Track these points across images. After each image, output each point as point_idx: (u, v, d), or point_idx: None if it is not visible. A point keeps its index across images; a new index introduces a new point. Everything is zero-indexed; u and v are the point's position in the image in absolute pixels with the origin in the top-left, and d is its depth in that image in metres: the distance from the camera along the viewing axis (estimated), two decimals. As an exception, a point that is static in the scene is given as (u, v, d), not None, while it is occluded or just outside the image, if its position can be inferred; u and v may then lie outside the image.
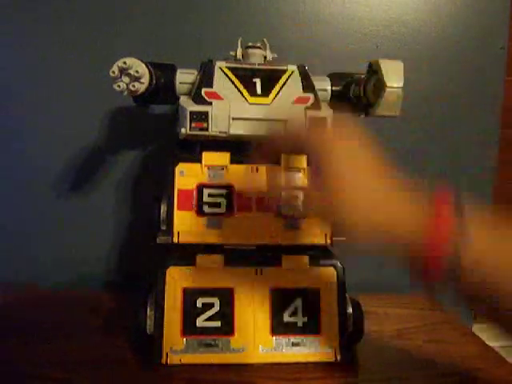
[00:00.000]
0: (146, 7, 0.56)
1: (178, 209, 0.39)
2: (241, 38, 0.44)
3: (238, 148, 0.40)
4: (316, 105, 0.39)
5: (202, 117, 0.37)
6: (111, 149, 0.58)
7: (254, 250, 0.41)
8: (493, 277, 0.24)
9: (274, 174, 0.38)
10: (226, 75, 0.39)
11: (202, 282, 0.38)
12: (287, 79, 0.40)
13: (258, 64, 0.42)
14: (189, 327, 0.37)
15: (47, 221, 0.58)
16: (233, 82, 0.39)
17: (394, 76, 0.35)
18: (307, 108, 0.38)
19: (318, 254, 0.41)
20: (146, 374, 0.37)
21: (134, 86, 0.37)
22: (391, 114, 0.37)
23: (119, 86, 0.36)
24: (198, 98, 0.38)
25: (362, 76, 0.41)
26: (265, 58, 0.44)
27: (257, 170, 0.41)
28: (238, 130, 0.38)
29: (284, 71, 0.41)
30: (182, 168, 0.40)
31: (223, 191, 0.40)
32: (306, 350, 0.38)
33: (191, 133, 0.37)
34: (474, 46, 0.61)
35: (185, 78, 0.41)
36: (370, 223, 0.27)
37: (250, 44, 0.44)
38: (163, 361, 0.36)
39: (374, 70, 0.38)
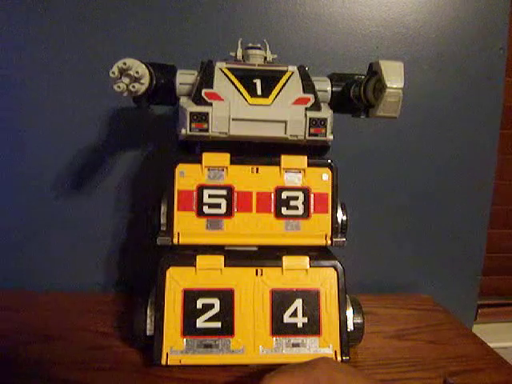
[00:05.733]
0: (146, 7, 0.56)
1: (178, 209, 0.40)
2: (241, 39, 0.44)
3: (238, 149, 0.40)
4: (316, 105, 0.39)
5: (202, 117, 0.37)
6: (111, 149, 0.58)
7: (254, 251, 0.41)
8: None
9: None
10: (226, 76, 0.39)
11: (202, 282, 0.38)
12: (287, 80, 0.40)
13: (258, 65, 0.42)
14: (189, 328, 0.37)
15: (47, 221, 0.58)
16: (233, 83, 0.39)
17: (394, 77, 0.35)
18: (307, 109, 0.38)
19: (319, 254, 0.41)
20: (145, 375, 0.37)
21: (134, 86, 0.36)
22: (391, 115, 0.37)
23: (119, 87, 0.36)
24: (198, 99, 0.38)
25: (363, 77, 0.41)
26: (265, 58, 0.44)
27: (257, 170, 0.41)
28: (238, 130, 0.38)
29: (284, 72, 0.41)
30: (181, 169, 0.40)
31: (223, 192, 0.40)
32: (306, 351, 0.38)
33: (191, 133, 0.37)
34: (474, 47, 0.61)
35: (185, 78, 0.41)
36: None
37: (250, 45, 0.44)
38: (163, 361, 0.36)
39: (374, 71, 0.38)
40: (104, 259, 0.60)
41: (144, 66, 0.37)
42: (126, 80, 0.36)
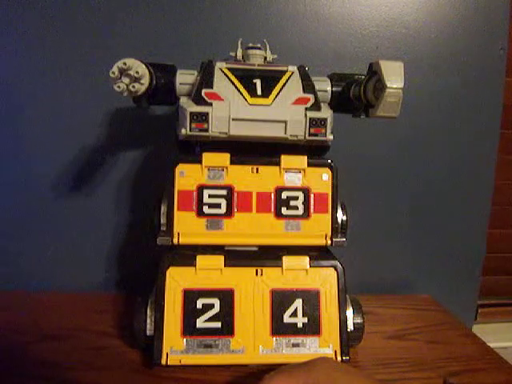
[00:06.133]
0: (146, 7, 0.56)
1: (178, 209, 0.40)
2: (241, 39, 0.44)
3: (238, 149, 0.40)
4: (316, 105, 0.39)
5: (203, 117, 0.37)
6: (111, 149, 0.58)
7: (254, 251, 0.41)
8: None
9: None
10: (226, 76, 0.39)
11: (202, 282, 0.38)
12: (287, 80, 0.40)
13: (258, 65, 0.42)
14: (189, 328, 0.37)
15: (47, 221, 0.58)
16: (233, 83, 0.39)
17: (394, 77, 0.35)
18: (307, 109, 0.38)
19: (319, 254, 0.41)
20: (145, 375, 0.37)
21: (133, 86, 0.36)
22: (391, 114, 0.37)
23: (119, 87, 0.36)
24: (198, 99, 0.37)
25: (363, 77, 0.41)
26: (265, 58, 0.44)
27: (257, 170, 0.41)
28: (238, 130, 0.38)
29: (284, 72, 0.41)
30: (181, 169, 0.40)
31: (223, 192, 0.40)
32: (306, 351, 0.38)
33: (191, 133, 0.37)
34: (474, 47, 0.61)
35: (185, 78, 0.41)
36: None
37: (250, 45, 0.44)
38: (163, 361, 0.36)
39: (374, 71, 0.38)
40: (104, 259, 0.60)
41: (144, 66, 0.37)
42: (126, 80, 0.36)
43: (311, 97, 0.39)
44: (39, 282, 0.57)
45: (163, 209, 0.40)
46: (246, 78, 0.39)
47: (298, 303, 0.39)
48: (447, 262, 0.66)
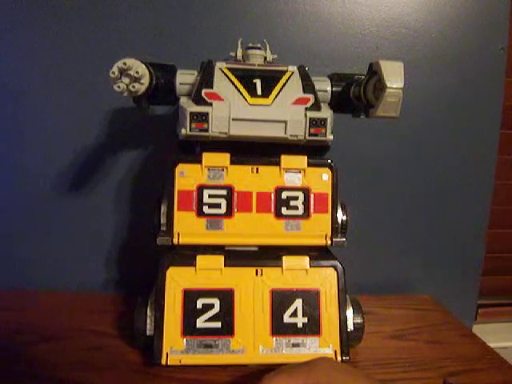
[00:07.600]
0: (146, 7, 0.56)
1: (178, 209, 0.40)
2: (241, 39, 0.44)
3: (238, 149, 0.40)
4: (316, 105, 0.39)
5: (203, 117, 0.37)
6: (111, 149, 0.58)
7: (254, 251, 0.41)
8: None
9: None
10: (226, 76, 0.39)
11: (202, 282, 0.38)
12: (287, 80, 0.40)
13: (258, 65, 0.42)
14: (189, 328, 0.37)
15: (47, 221, 0.58)
16: (233, 83, 0.39)
17: (394, 77, 0.35)
18: (307, 109, 0.38)
19: (319, 254, 0.41)
20: (145, 375, 0.37)
21: (133, 86, 0.37)
22: (391, 114, 0.37)
23: (119, 87, 0.36)
24: (198, 99, 0.38)
25: (363, 77, 0.41)
26: (265, 58, 0.44)
27: (257, 170, 0.41)
28: (238, 130, 0.38)
29: (284, 72, 0.41)
30: (181, 169, 0.40)
31: (223, 192, 0.40)
32: (306, 351, 0.38)
33: (191, 133, 0.37)
34: (474, 47, 0.61)
35: (185, 78, 0.41)
36: None
37: (250, 45, 0.44)
38: (163, 361, 0.37)
39: (374, 71, 0.38)
40: (104, 259, 0.60)
41: (144, 66, 0.37)
42: (126, 80, 0.36)
43: (311, 97, 0.39)
44: (39, 282, 0.57)
45: (163, 209, 0.40)
46: (246, 78, 0.39)
47: (298, 303, 0.39)
48: (447, 262, 0.66)
